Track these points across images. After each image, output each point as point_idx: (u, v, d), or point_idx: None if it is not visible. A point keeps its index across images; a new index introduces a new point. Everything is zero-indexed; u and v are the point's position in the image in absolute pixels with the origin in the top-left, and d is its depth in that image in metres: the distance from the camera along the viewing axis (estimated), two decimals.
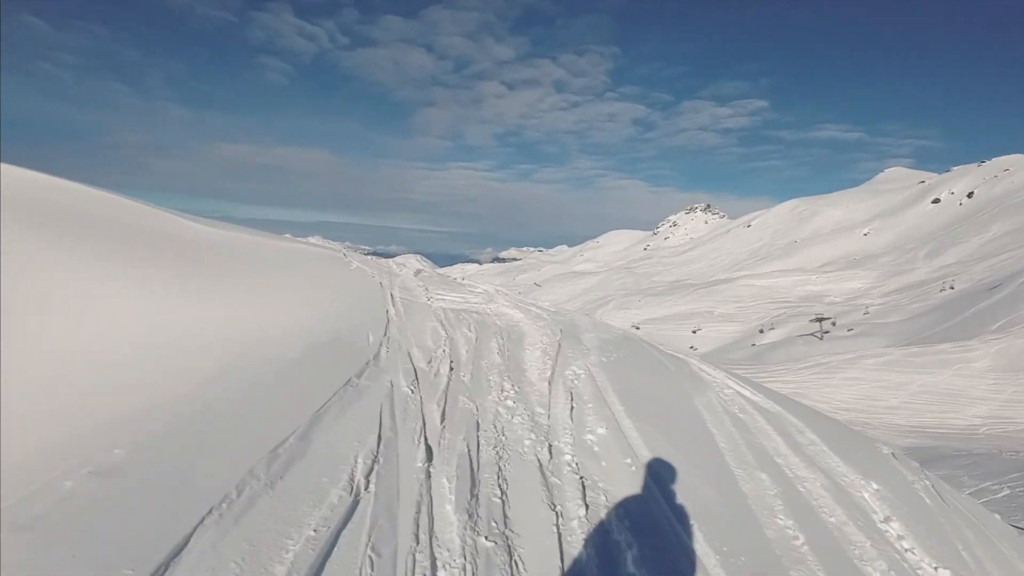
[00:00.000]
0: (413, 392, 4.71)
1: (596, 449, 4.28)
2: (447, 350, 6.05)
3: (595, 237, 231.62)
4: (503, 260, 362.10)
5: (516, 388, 5.28)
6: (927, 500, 4.88)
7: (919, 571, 3.78)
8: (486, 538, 3.00)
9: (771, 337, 61.50)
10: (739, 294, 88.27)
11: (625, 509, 3.50)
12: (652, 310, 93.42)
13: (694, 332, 76.17)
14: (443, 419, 4.33)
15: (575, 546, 3.06)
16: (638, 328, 76.76)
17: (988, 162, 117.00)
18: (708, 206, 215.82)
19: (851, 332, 51.65)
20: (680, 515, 3.56)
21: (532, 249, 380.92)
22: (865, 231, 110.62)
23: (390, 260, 14.72)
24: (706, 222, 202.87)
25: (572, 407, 5.02)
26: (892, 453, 5.89)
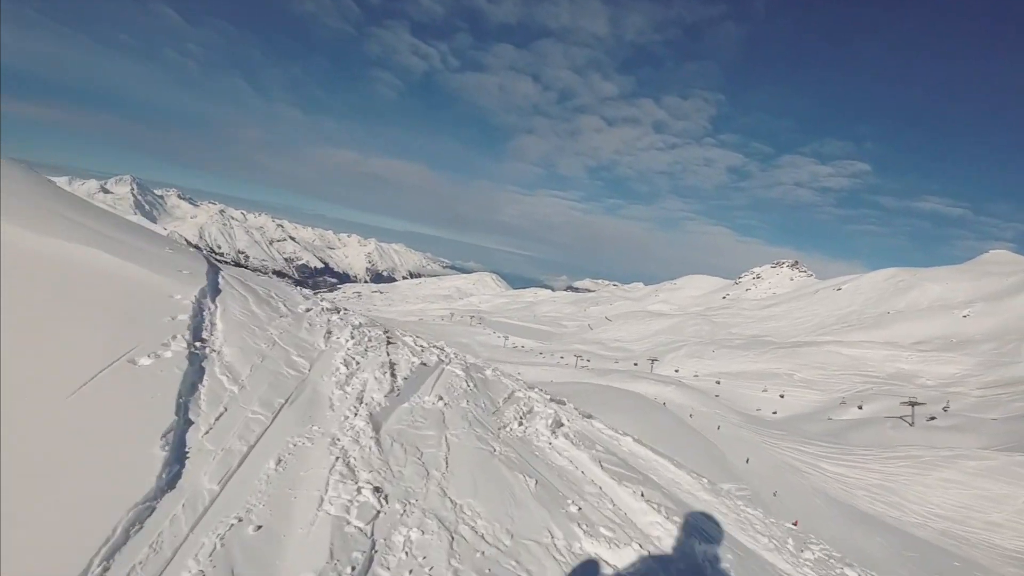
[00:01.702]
0: None
1: None
2: None
3: (674, 279, 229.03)
4: (577, 289, 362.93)
5: None
6: None
7: None
8: None
9: (854, 413, 59.43)
10: (823, 360, 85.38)
11: None
12: (726, 363, 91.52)
13: (764, 391, 74.24)
14: None
15: None
16: (719, 383, 75.48)
17: None
18: (796, 263, 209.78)
19: (947, 424, 49.40)
20: None
21: (607, 282, 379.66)
22: (965, 312, 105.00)
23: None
24: (792, 279, 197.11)
25: None
26: None
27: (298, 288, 11.18)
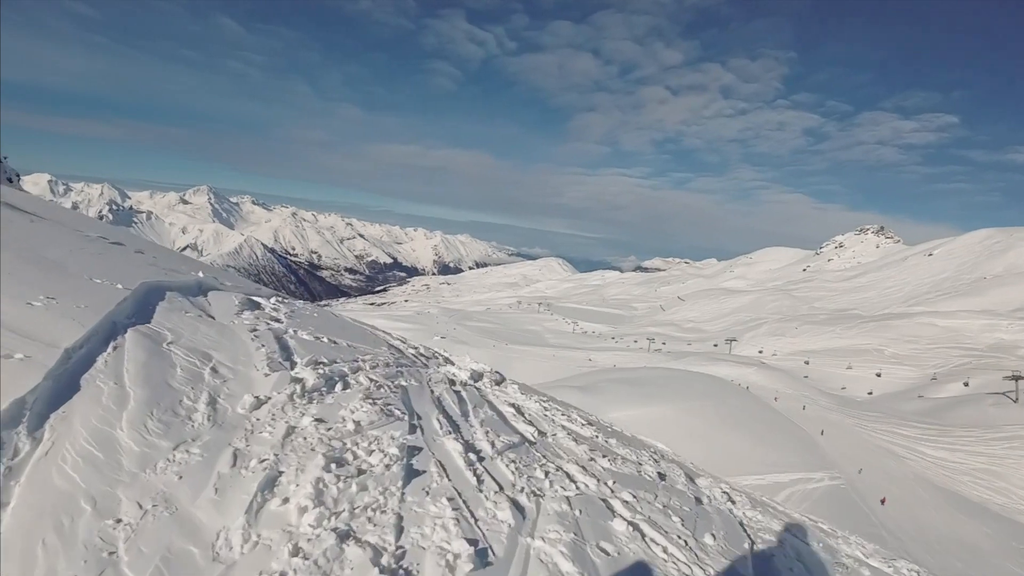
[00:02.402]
0: None
1: None
2: None
3: (749, 253, 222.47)
4: (646, 270, 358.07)
5: None
6: None
7: None
8: None
9: (951, 390, 56.58)
10: (916, 333, 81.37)
11: None
12: (810, 340, 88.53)
13: (848, 369, 71.45)
14: None
15: None
16: (808, 363, 73.31)
17: None
18: (881, 228, 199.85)
19: None
20: None
21: (678, 260, 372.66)
22: None
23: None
24: (878, 246, 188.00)
25: None
26: None
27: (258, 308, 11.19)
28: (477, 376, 7.30)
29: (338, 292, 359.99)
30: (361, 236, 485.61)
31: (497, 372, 8.10)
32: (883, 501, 26.43)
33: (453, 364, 7.77)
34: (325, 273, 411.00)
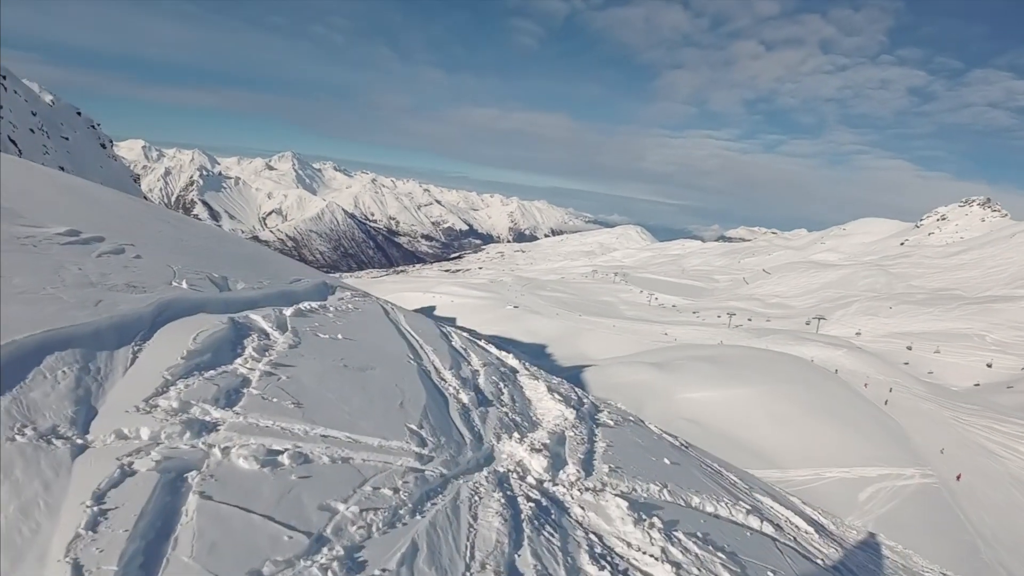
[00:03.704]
0: None
1: None
2: None
3: (842, 223, 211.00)
4: (730, 239, 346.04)
5: None
6: None
7: None
8: None
9: None
10: (1021, 319, 75.22)
11: None
12: (906, 321, 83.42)
13: (936, 353, 66.73)
14: None
15: None
16: (910, 348, 69.13)
17: None
18: (988, 200, 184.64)
19: None
20: None
21: (764, 230, 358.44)
22: None
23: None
24: (984, 220, 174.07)
25: None
26: None
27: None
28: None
29: (414, 258, 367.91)
30: (438, 202, 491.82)
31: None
32: (959, 477, 24.89)
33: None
34: (402, 239, 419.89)
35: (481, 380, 6.74)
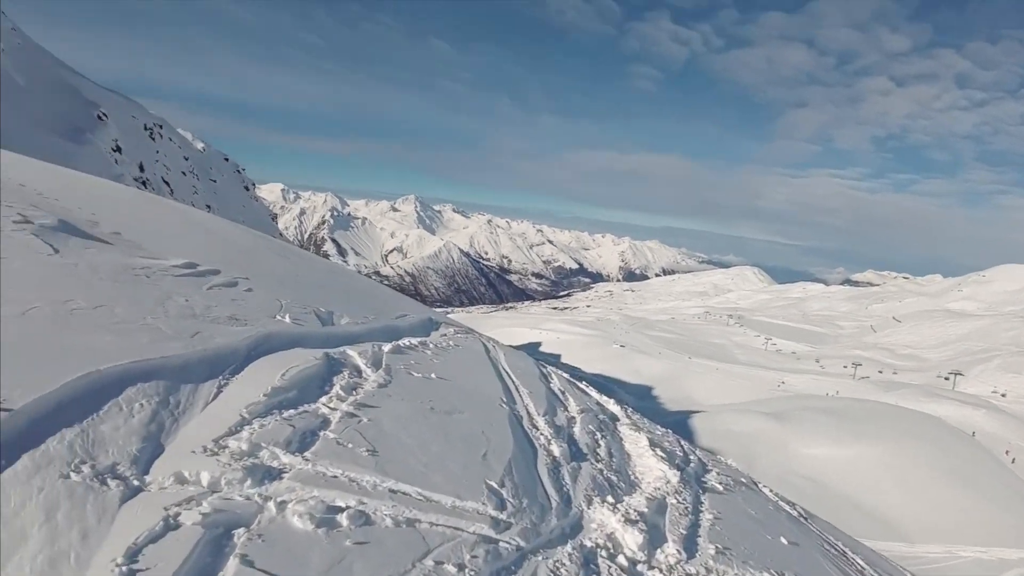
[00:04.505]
0: None
1: None
2: None
3: (981, 269, 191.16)
4: (856, 283, 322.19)
5: None
6: None
7: None
8: None
9: None
10: None
11: None
12: None
13: None
14: None
15: None
16: None
17: None
18: None
19: None
20: None
21: (895, 274, 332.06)
22: None
23: None
24: None
25: None
26: None
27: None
28: None
29: (524, 295, 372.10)
30: (550, 242, 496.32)
31: None
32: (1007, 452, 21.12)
33: None
34: (513, 277, 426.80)
35: (577, 429, 6.17)
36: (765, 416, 34.33)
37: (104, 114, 64.78)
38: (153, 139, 75.77)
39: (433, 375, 6.17)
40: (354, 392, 4.84)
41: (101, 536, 2.45)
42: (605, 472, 5.16)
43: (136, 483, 2.86)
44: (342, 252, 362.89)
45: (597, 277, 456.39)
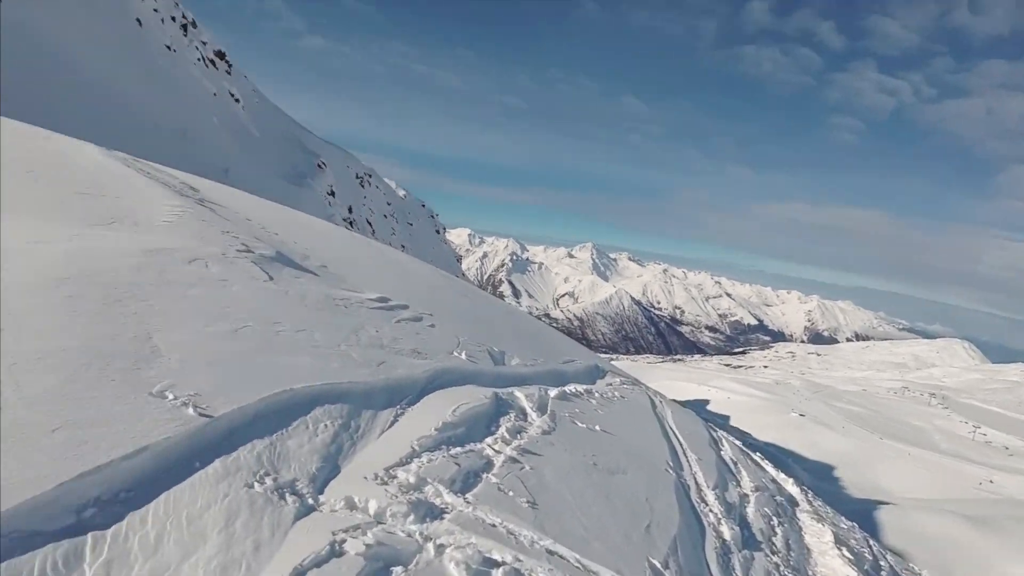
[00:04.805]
0: None
1: None
2: None
3: None
4: None
5: None
6: None
7: None
8: None
9: None
10: None
11: None
12: None
13: None
14: None
15: None
16: None
17: None
18: None
19: None
20: None
21: None
22: None
23: None
24: None
25: None
26: None
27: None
28: None
29: (695, 349, 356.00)
30: (728, 295, 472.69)
31: None
32: None
33: None
34: (685, 328, 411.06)
35: (750, 510, 5.55)
36: (966, 520, 29.04)
37: (323, 163, 73.76)
38: (362, 186, 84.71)
39: (597, 427, 5.94)
40: (518, 436, 4.77)
41: (272, 551, 2.53)
42: (782, 568, 4.54)
43: (311, 502, 2.96)
44: (516, 293, 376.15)
45: (778, 336, 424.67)
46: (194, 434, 2.96)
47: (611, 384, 9.07)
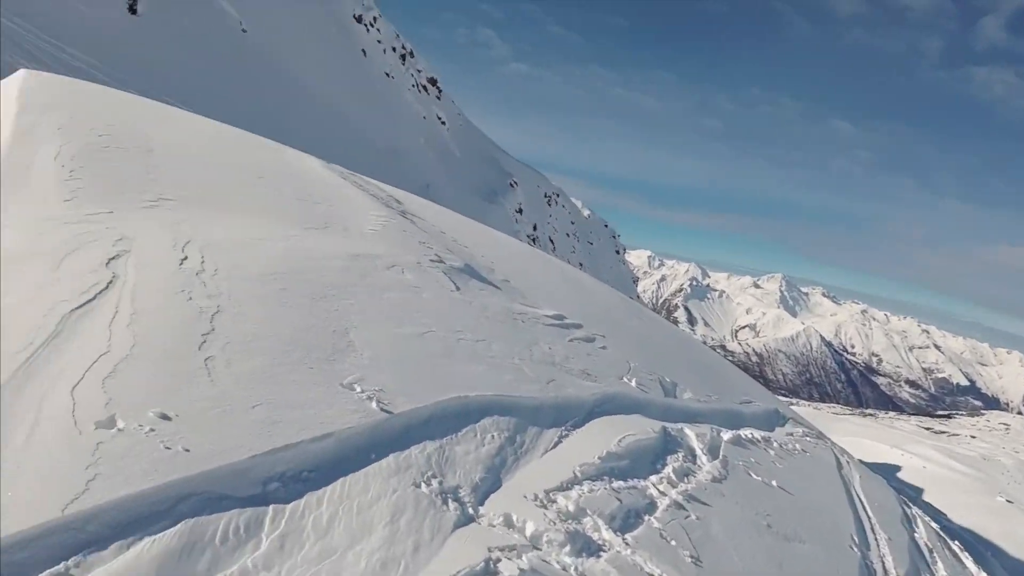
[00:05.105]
0: None
1: None
2: None
3: None
4: None
5: None
6: None
7: None
8: None
9: None
10: None
11: None
12: None
13: None
14: None
15: None
16: None
17: None
18: None
19: None
20: None
21: None
22: None
23: None
24: None
25: None
26: None
27: None
28: None
29: (890, 404, 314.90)
30: (936, 347, 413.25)
31: None
32: None
33: None
34: (881, 380, 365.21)
35: None
36: None
37: (515, 182, 76.96)
38: (549, 205, 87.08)
39: (774, 482, 5.36)
40: (685, 479, 4.43)
41: (430, 555, 2.53)
42: None
43: (471, 511, 2.95)
44: (692, 321, 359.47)
45: (991, 403, 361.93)
46: (374, 427, 3.10)
47: (792, 434, 8.23)
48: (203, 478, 2.32)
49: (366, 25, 63.88)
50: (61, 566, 1.85)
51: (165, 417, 2.55)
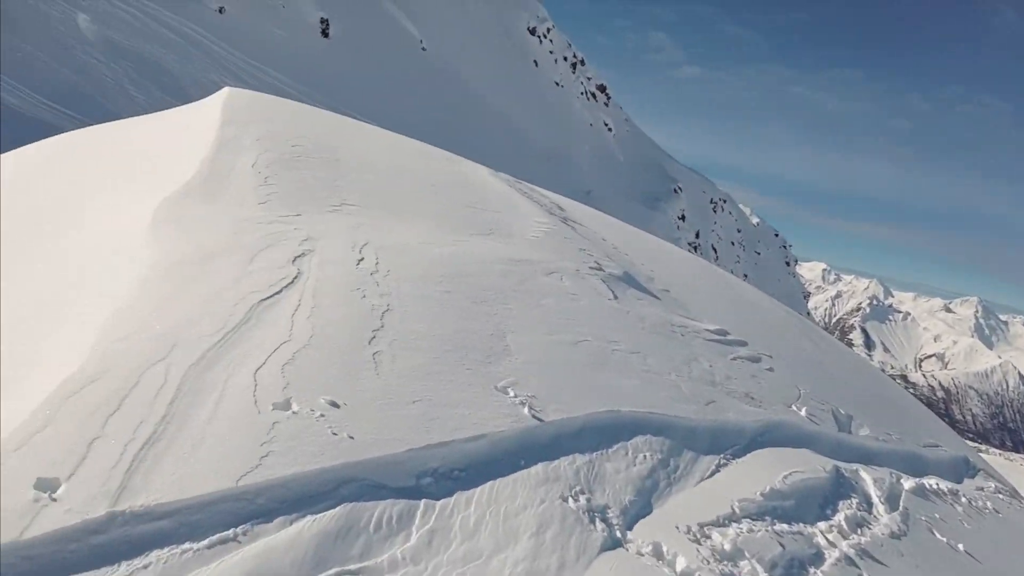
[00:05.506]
0: None
1: None
2: None
3: None
4: None
5: None
6: None
7: None
8: None
9: None
10: None
11: None
12: None
13: None
14: None
15: None
16: None
17: None
18: None
19: None
20: None
21: None
22: None
23: None
24: None
25: None
26: None
27: None
28: None
29: None
30: None
31: None
32: None
33: None
34: None
35: None
36: None
37: (679, 188, 74.12)
38: (715, 211, 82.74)
39: (960, 546, 4.55)
40: (859, 531, 3.87)
41: None
42: None
43: (618, 535, 2.78)
44: (869, 344, 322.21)
45: None
46: (524, 433, 3.04)
47: (983, 489, 6.99)
48: (364, 466, 2.40)
49: (539, 37, 65.43)
50: (230, 531, 1.99)
51: (334, 404, 2.68)
